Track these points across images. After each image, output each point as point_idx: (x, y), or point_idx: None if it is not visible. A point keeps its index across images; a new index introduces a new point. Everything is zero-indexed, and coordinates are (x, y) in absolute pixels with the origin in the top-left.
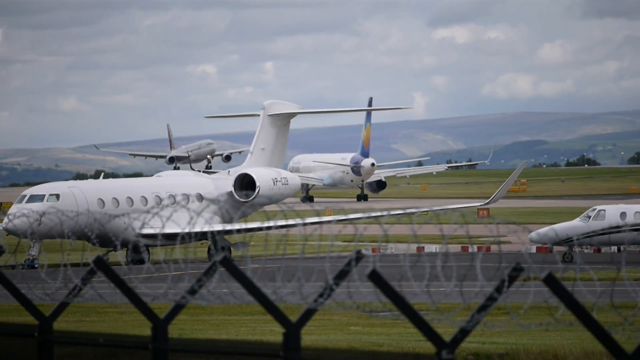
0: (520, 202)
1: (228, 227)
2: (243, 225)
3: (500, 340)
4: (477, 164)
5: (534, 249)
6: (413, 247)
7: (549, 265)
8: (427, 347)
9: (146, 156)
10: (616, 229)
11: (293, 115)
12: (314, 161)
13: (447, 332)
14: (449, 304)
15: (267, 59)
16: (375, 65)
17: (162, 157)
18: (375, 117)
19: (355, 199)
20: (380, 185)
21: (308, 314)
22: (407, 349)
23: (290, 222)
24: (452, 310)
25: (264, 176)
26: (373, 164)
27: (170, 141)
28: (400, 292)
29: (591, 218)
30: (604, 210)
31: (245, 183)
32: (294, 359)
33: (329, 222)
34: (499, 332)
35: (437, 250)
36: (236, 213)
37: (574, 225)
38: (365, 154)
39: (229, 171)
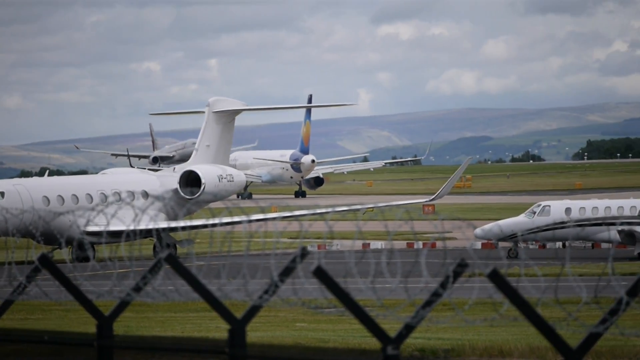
0: (466, 198)
1: (173, 224)
2: (188, 223)
3: (446, 336)
4: (412, 160)
5: (479, 245)
6: (358, 244)
7: (494, 261)
8: (373, 342)
9: (129, 156)
10: (561, 224)
11: (238, 112)
12: (254, 158)
13: (392, 328)
14: (394, 300)
15: (211, 56)
16: (320, 62)
17: (145, 157)
18: (320, 113)
19: (294, 196)
20: (317, 181)
21: (253, 311)
22: (352, 345)
23: (236, 219)
24: (397, 306)
25: (209, 173)
26: (313, 161)
27: (152, 141)
28: (346, 288)
29: (536, 214)
30: (549, 206)
31: (191, 180)
32: (240, 355)
33: (274, 219)
34: (444, 328)
35: (383, 247)
36: (181, 210)
37: (519, 221)
38: (305, 151)
39: (174, 168)
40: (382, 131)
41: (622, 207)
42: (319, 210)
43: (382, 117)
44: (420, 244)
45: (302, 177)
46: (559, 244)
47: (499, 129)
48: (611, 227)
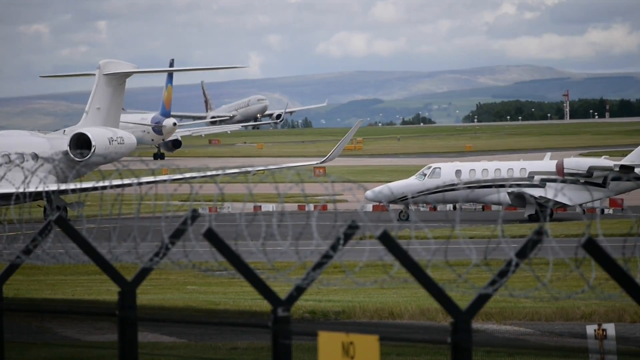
0: (357, 160)
1: (63, 186)
2: (78, 185)
3: (337, 298)
4: (267, 123)
5: (369, 207)
6: (249, 206)
7: (384, 223)
8: (264, 305)
9: (181, 117)
10: (451, 186)
11: (129, 74)
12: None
13: (283, 290)
14: (285, 263)
15: (101, 18)
16: (209, 24)
17: (200, 118)
18: (211, 76)
19: (152, 158)
20: (175, 144)
21: (143, 273)
22: (243, 307)
23: (126, 181)
24: (288, 269)
25: (99, 135)
26: (175, 124)
27: (206, 100)
28: (237, 250)
29: (426, 176)
30: (439, 168)
31: (81, 142)
32: (130, 317)
33: (164, 181)
34: (335, 290)
35: (274, 209)
36: (71, 172)
37: (409, 184)
38: (166, 114)
39: (65, 130)
40: (273, 94)
41: (512, 169)
42: (209, 173)
43: (273, 80)
44: (311, 206)
45: (162, 140)
46: (449, 206)
47: (390, 92)
48: (501, 189)
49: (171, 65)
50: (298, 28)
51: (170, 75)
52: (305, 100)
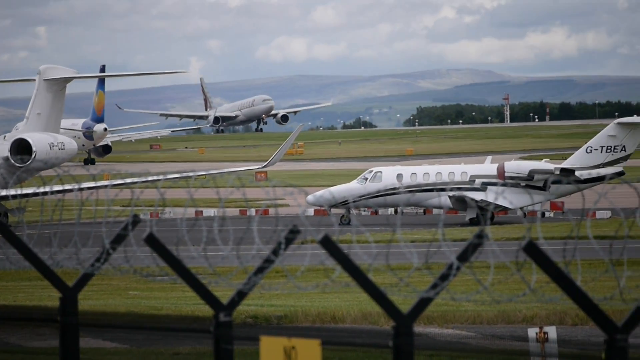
0: (298, 165)
1: (4, 192)
2: (19, 191)
3: (279, 302)
4: (196, 128)
5: (311, 212)
6: (191, 211)
7: (326, 228)
8: (206, 310)
9: (181, 117)
10: (392, 190)
11: (69, 80)
12: None
13: (225, 294)
14: (227, 267)
15: (40, 23)
16: (149, 29)
17: (202, 117)
18: (152, 81)
19: (83, 163)
20: (106, 149)
21: (85, 279)
22: (185, 312)
23: (67, 187)
24: (230, 273)
25: (40, 141)
26: (105, 129)
27: (205, 98)
28: (178, 255)
29: (368, 180)
30: (381, 172)
31: (22, 148)
32: (71, 323)
33: (105, 186)
34: (277, 295)
35: (215, 214)
36: (12, 178)
37: (351, 188)
38: (98, 120)
39: (5, 136)
40: (214, 98)
41: (453, 172)
42: (150, 178)
43: (214, 85)
44: (252, 211)
45: (93, 145)
46: (390, 210)
47: (330, 96)
48: (442, 192)
49: (102, 70)
50: (238, 32)
51: (101, 81)
52: None
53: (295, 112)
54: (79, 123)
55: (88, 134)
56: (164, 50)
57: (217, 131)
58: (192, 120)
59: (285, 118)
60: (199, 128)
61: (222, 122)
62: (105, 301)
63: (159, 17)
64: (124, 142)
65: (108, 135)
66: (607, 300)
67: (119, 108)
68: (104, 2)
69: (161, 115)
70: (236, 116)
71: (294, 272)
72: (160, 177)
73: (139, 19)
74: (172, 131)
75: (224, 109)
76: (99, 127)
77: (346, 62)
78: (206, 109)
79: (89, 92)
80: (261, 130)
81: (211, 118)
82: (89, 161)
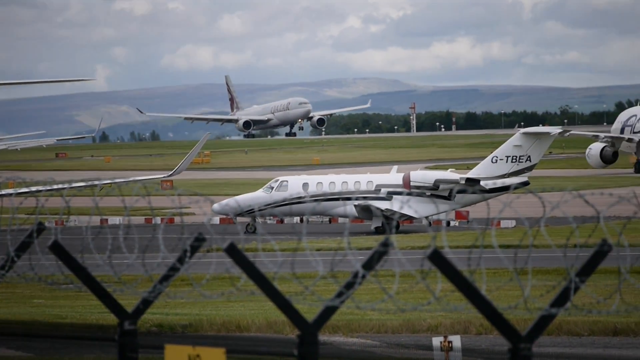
0: (204, 173)
1: None
2: None
3: (184, 311)
4: (82, 137)
5: (217, 220)
6: (96, 219)
7: (231, 236)
8: (111, 318)
9: (208, 120)
10: (298, 199)
11: None
12: None
13: (130, 303)
14: (132, 276)
15: None
16: (54, 37)
17: (229, 121)
18: (57, 89)
19: None
20: None
21: None
22: (90, 321)
23: None
24: (135, 282)
25: None
26: None
27: (232, 98)
28: (83, 263)
29: (274, 189)
30: (287, 181)
31: None
32: None
33: (9, 194)
34: (182, 303)
35: (121, 222)
36: None
37: (256, 196)
38: None
39: None
40: (120, 106)
41: (359, 182)
42: (56, 186)
43: (120, 93)
44: (158, 219)
45: None
46: (296, 219)
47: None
48: (348, 201)
49: None
50: (143, 41)
51: None
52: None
53: (330, 115)
54: None
55: None
56: (69, 59)
57: (247, 135)
58: (219, 123)
59: (321, 122)
60: (87, 137)
61: (253, 126)
62: (9, 309)
63: (65, 25)
64: (10, 150)
65: None
66: (512, 309)
67: (141, 112)
68: (7, 10)
69: (186, 119)
70: (268, 120)
71: (199, 281)
72: (66, 185)
73: (44, 27)
74: (57, 140)
75: (254, 111)
76: None
77: (253, 71)
78: (232, 110)
79: None
80: (294, 134)
81: (241, 122)
82: None
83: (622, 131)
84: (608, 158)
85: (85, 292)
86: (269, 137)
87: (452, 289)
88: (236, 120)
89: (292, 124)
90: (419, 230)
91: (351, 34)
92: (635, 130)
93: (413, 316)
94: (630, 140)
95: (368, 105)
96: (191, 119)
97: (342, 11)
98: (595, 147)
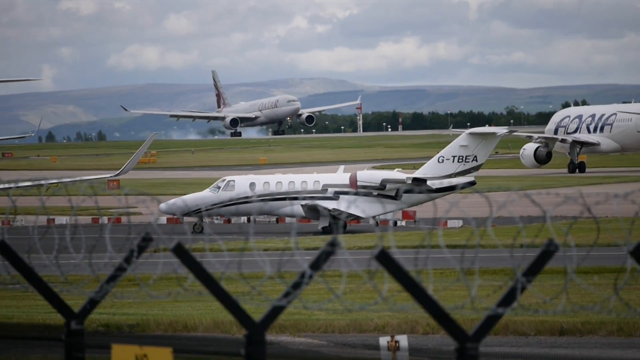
0: (151, 173)
1: None
2: None
3: (131, 311)
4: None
5: (164, 220)
6: (43, 219)
7: (179, 236)
8: (58, 318)
9: (194, 118)
10: (245, 199)
11: None
12: None
13: (77, 303)
14: (79, 276)
15: None
16: (0, 37)
17: (215, 118)
18: (2, 89)
19: None
20: None
21: None
22: (37, 321)
23: None
24: (82, 282)
25: None
26: None
27: (218, 94)
28: (30, 263)
29: (221, 189)
30: (234, 180)
31: None
32: None
33: None
34: (129, 303)
35: (67, 222)
36: None
37: (203, 196)
38: None
39: None
40: (67, 106)
41: (305, 182)
42: (1, 186)
43: (66, 93)
44: (105, 219)
45: None
46: (243, 219)
47: (183, 105)
48: (295, 201)
49: None
50: (89, 40)
51: None
52: (99, 112)
53: (320, 112)
54: None
55: None
56: (16, 58)
57: (234, 134)
58: (206, 121)
59: (310, 119)
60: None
61: (240, 124)
62: None
63: (10, 24)
64: None
65: None
66: (459, 309)
67: (125, 110)
68: None
69: (172, 116)
70: (256, 117)
71: (146, 281)
72: (12, 185)
73: None
74: None
75: (241, 108)
76: None
77: (199, 71)
78: (219, 106)
79: None
80: (283, 132)
81: (228, 119)
82: None
83: (555, 132)
84: (542, 158)
85: (32, 292)
86: (215, 136)
87: (399, 289)
88: (223, 118)
89: (280, 121)
90: (366, 230)
91: (298, 34)
92: (568, 131)
93: (360, 316)
94: (563, 140)
95: (358, 101)
96: (177, 116)
97: (288, 11)
98: (529, 148)
